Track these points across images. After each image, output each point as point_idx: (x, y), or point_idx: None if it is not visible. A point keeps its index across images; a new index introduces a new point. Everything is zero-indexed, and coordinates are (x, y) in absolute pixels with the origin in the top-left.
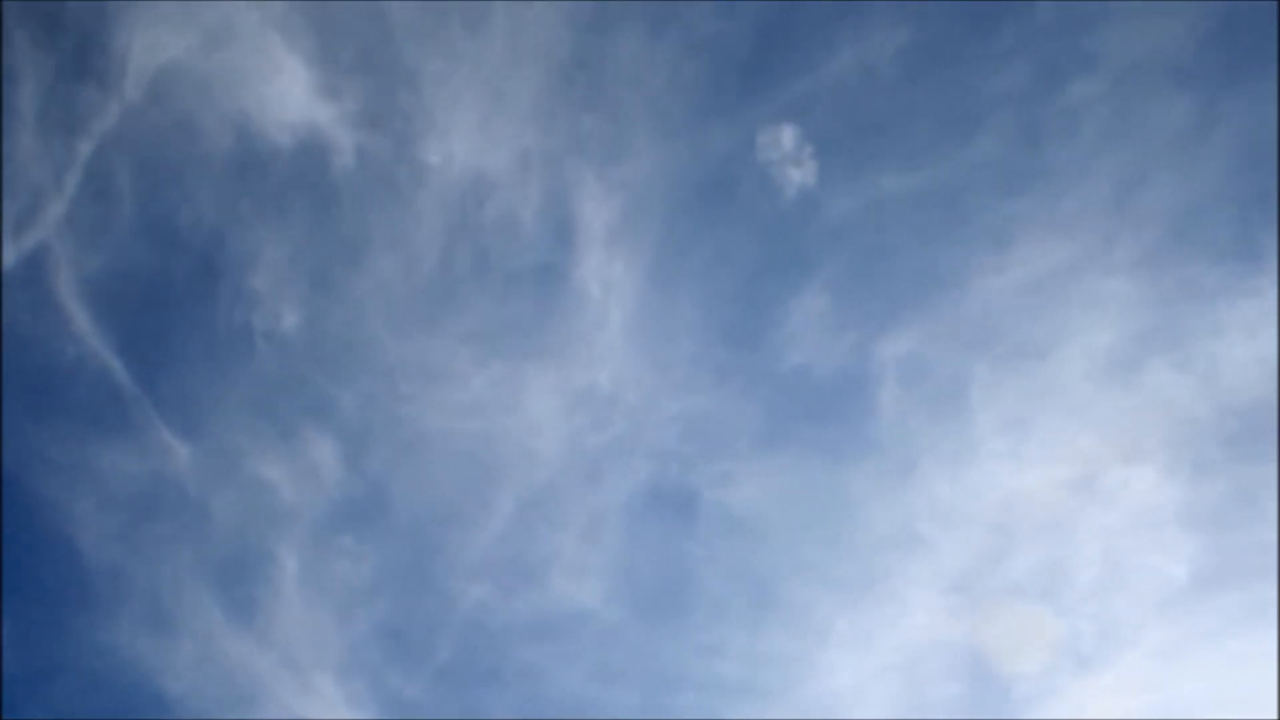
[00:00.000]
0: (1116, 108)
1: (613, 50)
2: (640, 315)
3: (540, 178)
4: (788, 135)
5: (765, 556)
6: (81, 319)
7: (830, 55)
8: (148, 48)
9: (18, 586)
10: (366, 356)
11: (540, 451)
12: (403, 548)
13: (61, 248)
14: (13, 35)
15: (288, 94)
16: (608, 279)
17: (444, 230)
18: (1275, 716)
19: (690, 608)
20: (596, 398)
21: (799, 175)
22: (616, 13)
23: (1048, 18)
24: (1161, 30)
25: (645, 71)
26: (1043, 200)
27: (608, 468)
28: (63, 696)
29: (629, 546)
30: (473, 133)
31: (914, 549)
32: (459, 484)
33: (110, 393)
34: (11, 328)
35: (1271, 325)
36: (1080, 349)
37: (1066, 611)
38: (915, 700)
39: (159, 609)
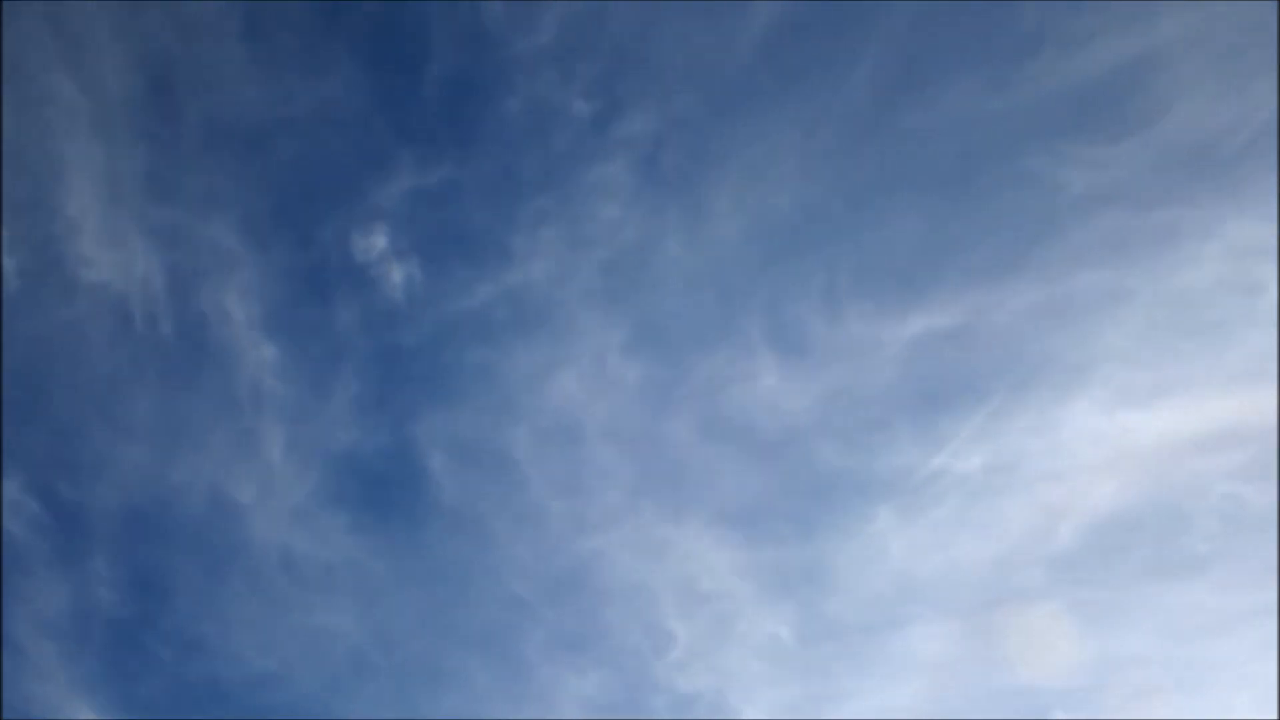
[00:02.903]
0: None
1: (192, 174)
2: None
3: (180, 286)
4: (377, 240)
5: (396, 615)
6: None
7: (394, 177)
8: None
9: None
10: (65, 445)
11: (235, 523)
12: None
13: None
14: None
15: None
16: (260, 363)
17: (109, 340)
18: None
19: (363, 669)
20: (271, 469)
21: (386, 273)
22: (190, 140)
23: (568, 147)
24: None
25: (233, 187)
26: (567, 300)
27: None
28: None
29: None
30: (112, 251)
31: (519, 609)
32: (161, 554)
33: None
34: None
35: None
36: (605, 422)
37: (683, 669)
38: None
39: None
